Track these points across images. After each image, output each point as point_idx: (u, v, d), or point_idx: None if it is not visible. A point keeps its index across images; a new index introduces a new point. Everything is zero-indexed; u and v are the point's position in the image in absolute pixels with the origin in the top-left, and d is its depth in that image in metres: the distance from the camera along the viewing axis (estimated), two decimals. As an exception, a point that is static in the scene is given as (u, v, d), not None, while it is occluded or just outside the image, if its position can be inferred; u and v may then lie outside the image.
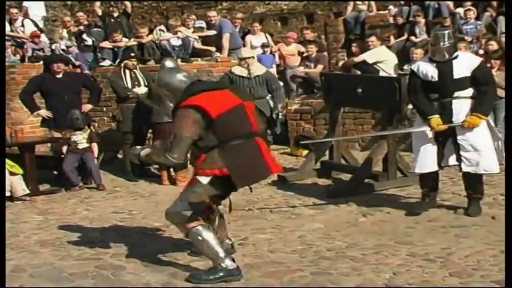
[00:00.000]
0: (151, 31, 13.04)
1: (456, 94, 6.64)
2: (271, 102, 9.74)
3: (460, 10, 12.40)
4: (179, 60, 11.04)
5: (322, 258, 5.46)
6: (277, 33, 16.50)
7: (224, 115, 4.87)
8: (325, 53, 13.50)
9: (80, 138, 9.45)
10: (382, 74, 10.92)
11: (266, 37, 13.85)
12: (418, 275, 4.98)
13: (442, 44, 6.61)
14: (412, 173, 7.21)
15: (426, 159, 6.79)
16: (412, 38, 12.40)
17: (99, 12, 14.69)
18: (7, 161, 8.80)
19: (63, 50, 13.38)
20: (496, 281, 4.75)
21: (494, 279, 4.78)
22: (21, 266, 5.58)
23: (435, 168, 6.84)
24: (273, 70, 12.32)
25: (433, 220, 6.64)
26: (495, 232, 5.96)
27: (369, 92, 8.36)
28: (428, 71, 6.71)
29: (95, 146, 9.64)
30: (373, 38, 11.64)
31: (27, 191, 8.78)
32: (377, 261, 5.35)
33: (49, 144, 11.12)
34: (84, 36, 13.74)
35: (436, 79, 6.65)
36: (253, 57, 10.05)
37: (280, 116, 10.24)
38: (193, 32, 12.60)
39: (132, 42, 12.81)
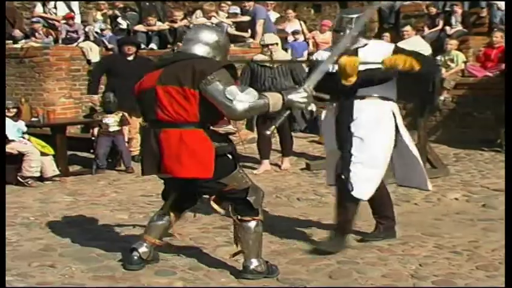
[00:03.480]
0: (185, 15, 13.08)
1: (361, 93, 5.32)
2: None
3: (498, 1, 12.22)
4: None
5: (349, 247, 5.45)
6: (310, 21, 16.40)
7: (138, 95, 4.80)
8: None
9: (112, 121, 9.54)
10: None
11: (300, 24, 13.79)
12: (444, 267, 4.95)
13: (348, 30, 5.30)
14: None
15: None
16: (447, 28, 12.27)
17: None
18: (39, 141, 8.93)
19: (96, 32, 13.46)
20: (524, 275, 4.70)
21: (521, 274, 4.74)
22: (50, 245, 5.64)
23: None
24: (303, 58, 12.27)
25: (461, 213, 6.60)
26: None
27: (401, 82, 8.28)
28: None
29: (125, 129, 9.71)
30: (407, 28, 11.54)
31: (57, 172, 8.89)
32: (403, 252, 5.33)
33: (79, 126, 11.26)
34: (119, 19, 13.80)
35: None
36: (277, 43, 9.25)
37: (309, 110, 9.85)
38: (227, 18, 12.61)
39: (165, 26, 12.86)
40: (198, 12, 13.08)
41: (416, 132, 8.17)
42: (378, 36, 13.36)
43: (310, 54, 13.17)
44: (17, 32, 13.49)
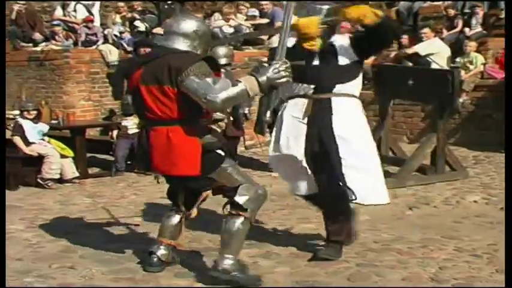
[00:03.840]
0: (204, 18, 13.11)
1: (338, 88, 4.96)
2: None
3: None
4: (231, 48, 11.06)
5: (368, 250, 5.44)
6: (328, 23, 16.39)
7: (132, 95, 4.81)
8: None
9: (131, 124, 9.58)
10: (434, 66, 10.80)
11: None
12: (464, 270, 4.93)
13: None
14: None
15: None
16: (466, 30, 12.21)
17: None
18: (58, 143, 8.99)
19: (115, 35, 13.53)
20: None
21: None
22: (70, 247, 5.68)
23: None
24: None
25: (480, 215, 6.57)
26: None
27: (421, 85, 8.29)
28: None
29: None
30: (426, 30, 11.52)
31: (77, 174, 8.95)
32: (423, 255, 5.32)
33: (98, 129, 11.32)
34: (137, 22, 13.86)
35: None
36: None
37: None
38: (246, 20, 12.63)
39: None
40: (217, 15, 13.12)
41: (436, 134, 8.14)
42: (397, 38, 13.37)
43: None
44: (37, 35, 13.59)
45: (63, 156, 8.84)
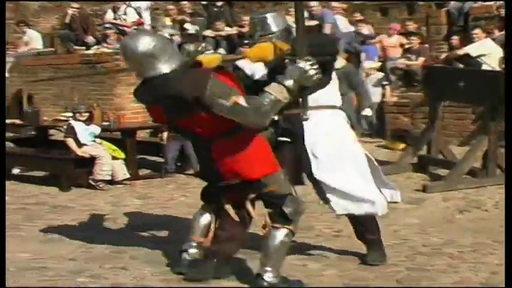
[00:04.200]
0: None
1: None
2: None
3: None
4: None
5: (418, 253, 5.40)
6: (377, 24, 16.28)
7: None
8: (427, 45, 13.24)
9: (180, 126, 9.65)
10: (485, 67, 10.65)
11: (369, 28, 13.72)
12: (516, 275, 4.86)
13: (258, 34, 4.99)
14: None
15: None
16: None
17: (203, 1, 14.91)
18: (109, 145, 9.12)
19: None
20: None
21: None
22: (121, 247, 5.76)
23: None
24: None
25: (534, 220, 6.45)
26: None
27: (472, 86, 8.19)
28: (256, 68, 4.85)
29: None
30: (477, 31, 11.35)
31: (128, 175, 9.05)
32: (474, 259, 5.26)
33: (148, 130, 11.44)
34: (187, 25, 13.97)
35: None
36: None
37: (368, 115, 9.69)
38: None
39: (234, 31, 12.96)
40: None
41: (487, 136, 8.03)
42: (447, 39, 13.23)
43: (379, 58, 13.08)
44: (90, 38, 13.83)
45: (114, 157, 8.97)
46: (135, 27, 13.64)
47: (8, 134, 10.74)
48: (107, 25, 13.91)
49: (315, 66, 4.34)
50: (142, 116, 11.73)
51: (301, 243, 5.53)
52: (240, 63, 4.91)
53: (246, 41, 11.66)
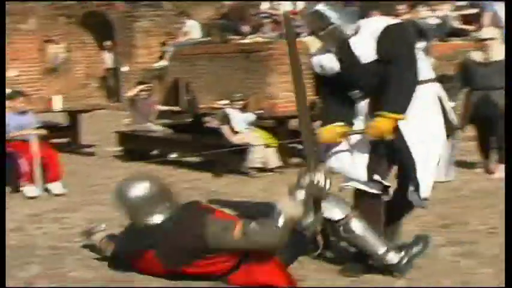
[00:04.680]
0: (411, 8, 12.90)
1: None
2: None
3: None
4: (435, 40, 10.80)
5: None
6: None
7: None
8: None
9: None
10: None
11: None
12: None
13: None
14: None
15: None
16: None
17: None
18: (263, 133, 9.24)
19: (320, 27, 13.64)
20: None
21: None
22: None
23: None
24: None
25: None
26: None
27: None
28: (324, 60, 4.94)
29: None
30: None
31: (280, 163, 9.13)
32: None
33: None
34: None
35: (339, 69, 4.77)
36: (495, 38, 8.37)
37: None
38: (453, 10, 12.27)
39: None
40: (421, 7, 12.82)
41: None
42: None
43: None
44: (246, 28, 14.08)
45: (267, 145, 9.07)
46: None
47: (166, 121, 11.14)
48: (263, 14, 14.10)
49: (328, 178, 4.44)
50: (294, 105, 11.82)
51: (454, 239, 5.35)
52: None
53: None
